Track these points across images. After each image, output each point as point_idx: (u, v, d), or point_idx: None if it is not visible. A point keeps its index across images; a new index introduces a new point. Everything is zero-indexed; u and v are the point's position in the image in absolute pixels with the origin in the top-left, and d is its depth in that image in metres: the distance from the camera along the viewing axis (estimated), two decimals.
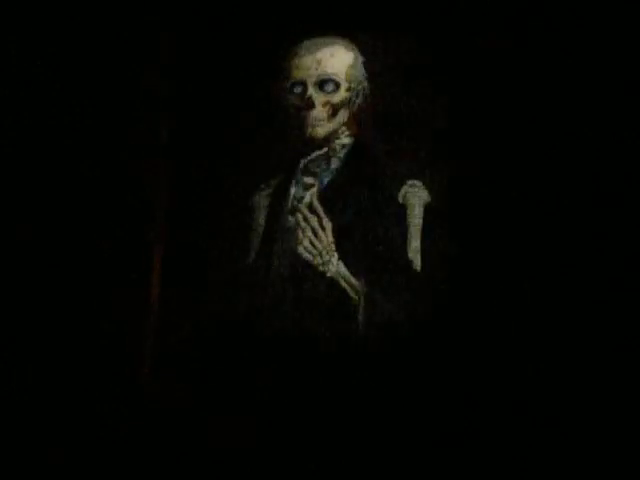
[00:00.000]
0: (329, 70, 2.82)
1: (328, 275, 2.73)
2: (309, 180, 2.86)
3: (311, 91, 2.82)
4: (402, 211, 2.77)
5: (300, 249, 2.75)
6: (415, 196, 2.77)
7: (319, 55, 2.83)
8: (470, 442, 2.62)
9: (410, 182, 2.79)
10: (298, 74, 2.84)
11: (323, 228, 2.74)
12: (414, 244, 2.75)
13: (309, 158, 2.87)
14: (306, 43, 2.85)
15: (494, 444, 2.62)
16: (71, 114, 2.95)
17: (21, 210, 2.96)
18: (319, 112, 2.83)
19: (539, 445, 2.60)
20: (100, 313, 2.90)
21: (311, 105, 2.82)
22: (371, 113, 2.88)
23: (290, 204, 2.85)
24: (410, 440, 2.63)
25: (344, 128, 2.87)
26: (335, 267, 2.73)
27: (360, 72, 2.86)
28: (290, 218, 2.83)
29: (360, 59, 2.86)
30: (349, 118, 2.86)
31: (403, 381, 2.68)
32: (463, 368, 2.66)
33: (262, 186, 2.94)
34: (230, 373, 2.80)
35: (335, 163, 2.86)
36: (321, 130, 2.84)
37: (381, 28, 2.85)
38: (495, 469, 2.60)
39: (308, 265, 2.74)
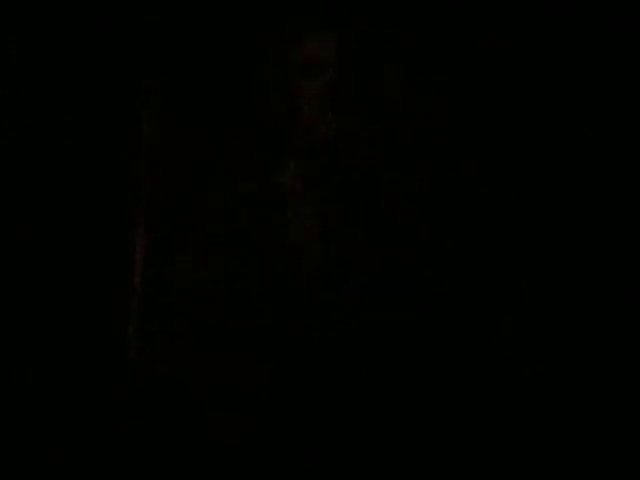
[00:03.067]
0: (314, 58, 2.81)
1: (318, 266, 2.74)
2: (296, 169, 2.85)
3: (296, 79, 2.80)
4: None
5: (289, 239, 2.75)
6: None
7: (304, 43, 2.81)
8: (451, 430, 2.67)
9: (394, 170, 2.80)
10: (282, 62, 2.82)
11: (313, 218, 2.75)
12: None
13: (295, 147, 2.86)
14: (291, 31, 2.83)
15: (475, 430, 2.66)
16: (70, 114, 2.91)
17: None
18: (304, 101, 2.81)
19: (524, 433, 2.65)
20: (82, 298, 2.87)
21: (296, 93, 2.81)
22: (356, 102, 2.88)
23: (278, 194, 2.85)
24: (406, 440, 2.66)
25: (329, 116, 2.86)
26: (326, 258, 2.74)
27: (346, 61, 2.85)
28: (278, 208, 2.83)
29: (347, 47, 2.85)
30: (334, 106, 2.85)
31: (391, 380, 2.70)
32: (447, 364, 2.69)
33: (248, 176, 2.92)
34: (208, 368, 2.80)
35: (321, 152, 2.86)
36: (306, 119, 2.83)
37: (371, 19, 2.84)
38: (479, 455, 2.65)
39: (297, 256, 2.74)
